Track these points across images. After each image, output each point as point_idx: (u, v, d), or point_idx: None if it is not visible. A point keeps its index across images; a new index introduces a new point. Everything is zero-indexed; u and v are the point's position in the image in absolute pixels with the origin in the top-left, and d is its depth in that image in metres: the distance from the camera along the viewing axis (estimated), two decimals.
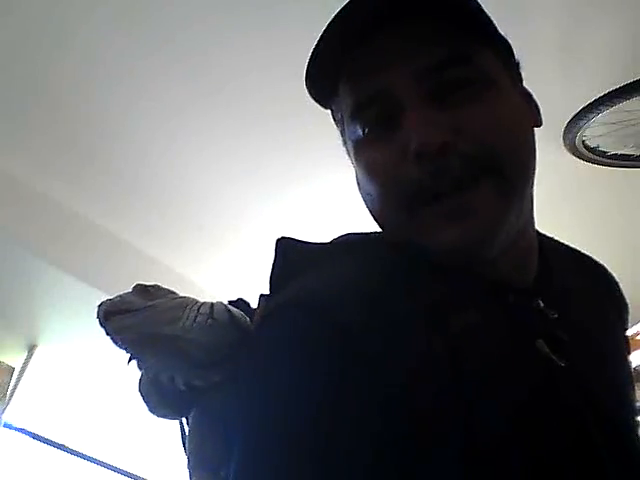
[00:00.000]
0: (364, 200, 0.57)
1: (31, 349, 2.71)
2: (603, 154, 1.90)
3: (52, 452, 3.10)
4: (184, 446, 0.59)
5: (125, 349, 0.54)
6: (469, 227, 0.49)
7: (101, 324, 0.53)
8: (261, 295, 0.56)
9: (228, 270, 2.53)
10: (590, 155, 1.90)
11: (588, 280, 0.65)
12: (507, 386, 0.46)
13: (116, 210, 2.36)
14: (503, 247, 0.52)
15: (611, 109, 1.71)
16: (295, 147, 2.07)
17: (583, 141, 1.85)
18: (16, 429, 2.90)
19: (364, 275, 0.51)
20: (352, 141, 0.56)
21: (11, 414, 2.75)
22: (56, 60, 1.89)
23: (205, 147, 2.13)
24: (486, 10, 0.54)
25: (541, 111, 0.62)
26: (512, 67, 0.57)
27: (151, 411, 0.59)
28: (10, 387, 2.73)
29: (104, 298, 0.53)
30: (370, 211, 0.57)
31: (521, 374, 0.47)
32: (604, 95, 1.70)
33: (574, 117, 1.77)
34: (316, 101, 0.59)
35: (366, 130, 0.53)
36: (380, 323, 0.46)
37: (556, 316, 0.53)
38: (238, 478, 0.43)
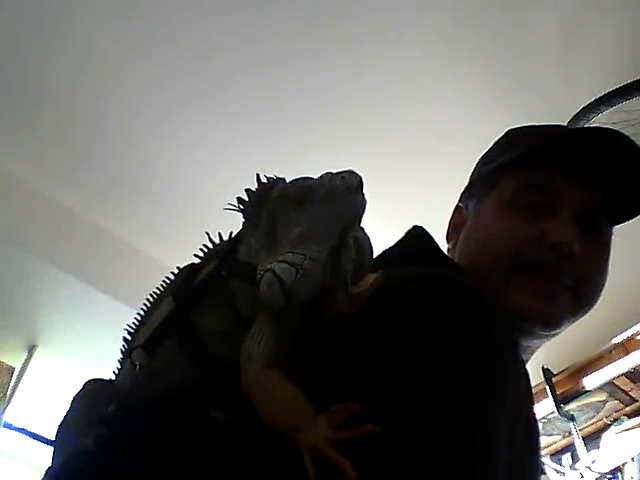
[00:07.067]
0: (472, 242, 0.73)
1: (31, 349, 2.71)
2: None
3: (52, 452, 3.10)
4: None
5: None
6: (550, 308, 0.67)
7: (352, 187, 0.55)
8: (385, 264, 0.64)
9: None
10: None
11: None
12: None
13: (116, 210, 2.36)
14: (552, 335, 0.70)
15: (611, 109, 1.71)
16: (296, 145, 2.07)
17: None
18: (16, 429, 2.90)
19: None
20: (500, 199, 0.71)
21: (11, 414, 2.74)
22: (56, 60, 1.89)
23: (206, 147, 2.13)
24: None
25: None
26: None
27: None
28: (10, 387, 2.72)
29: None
30: (473, 253, 0.72)
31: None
32: (604, 95, 1.70)
33: (574, 117, 1.77)
34: (511, 150, 0.73)
35: (522, 203, 0.69)
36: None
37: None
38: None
